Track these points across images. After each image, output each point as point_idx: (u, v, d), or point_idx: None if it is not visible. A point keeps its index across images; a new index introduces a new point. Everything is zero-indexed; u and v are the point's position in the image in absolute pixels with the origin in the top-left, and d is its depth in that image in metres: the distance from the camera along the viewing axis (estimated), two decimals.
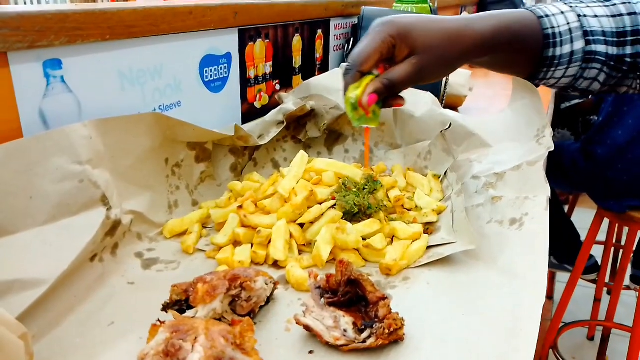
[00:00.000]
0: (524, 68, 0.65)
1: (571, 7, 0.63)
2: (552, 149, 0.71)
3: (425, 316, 0.55)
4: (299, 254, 0.69)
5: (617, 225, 1.96)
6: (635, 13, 0.62)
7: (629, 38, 0.62)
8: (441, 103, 1.13)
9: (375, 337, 0.49)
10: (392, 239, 0.70)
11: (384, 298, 0.52)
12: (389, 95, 0.61)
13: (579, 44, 0.61)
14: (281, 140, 0.96)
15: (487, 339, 0.51)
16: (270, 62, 1.05)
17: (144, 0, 0.96)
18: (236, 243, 0.70)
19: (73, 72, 0.64)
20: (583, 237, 1.83)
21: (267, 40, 1.02)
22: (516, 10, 0.64)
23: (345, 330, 0.50)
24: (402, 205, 0.78)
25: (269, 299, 0.58)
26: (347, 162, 0.96)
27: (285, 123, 0.92)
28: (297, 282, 0.61)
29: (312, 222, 0.71)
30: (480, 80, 1.68)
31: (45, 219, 0.57)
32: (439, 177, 0.87)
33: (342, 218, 0.70)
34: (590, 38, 0.61)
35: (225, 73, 0.92)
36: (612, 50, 0.62)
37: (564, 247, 2.06)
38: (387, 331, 0.49)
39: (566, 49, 0.62)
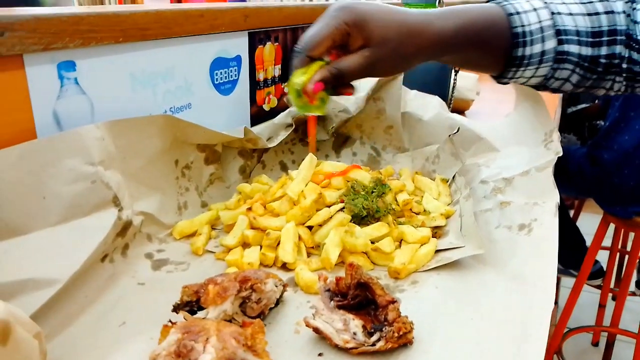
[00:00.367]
0: (492, 67, 0.62)
1: (545, 3, 0.60)
2: (561, 154, 0.71)
3: (433, 320, 0.55)
4: (308, 256, 0.69)
5: (622, 230, 1.96)
6: (612, 12, 0.59)
7: (604, 38, 0.59)
8: (448, 107, 1.14)
9: (384, 340, 0.50)
10: (400, 242, 0.71)
11: (393, 302, 0.52)
12: (337, 84, 0.58)
13: (550, 44, 0.59)
14: (289, 142, 0.97)
15: (496, 343, 0.51)
16: (280, 65, 1.05)
17: (152, 2, 0.97)
18: (245, 245, 0.70)
19: (86, 73, 0.64)
20: (588, 243, 1.83)
21: (277, 43, 1.02)
22: (485, 6, 0.61)
23: (354, 333, 0.50)
24: (411, 209, 0.78)
25: (278, 301, 0.58)
26: None
27: (294, 126, 0.92)
28: (306, 285, 0.62)
29: (320, 225, 0.71)
30: (487, 84, 1.68)
31: (57, 219, 0.58)
32: (447, 181, 0.87)
33: (350, 221, 0.71)
34: (563, 37, 0.58)
35: (235, 76, 0.92)
36: (586, 51, 0.59)
37: (570, 252, 2.05)
38: (396, 334, 0.49)
39: (537, 48, 0.59)
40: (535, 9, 0.59)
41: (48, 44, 0.58)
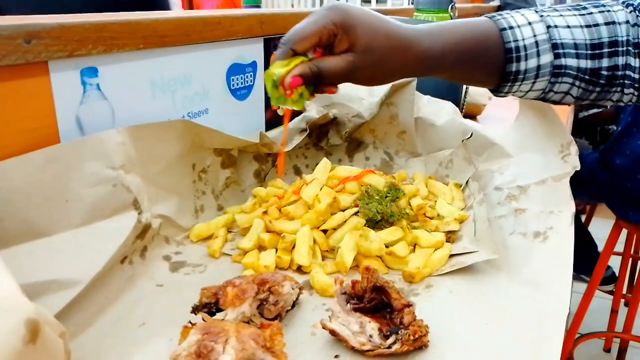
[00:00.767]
0: (486, 82, 0.62)
1: (541, 16, 0.59)
2: (578, 168, 0.70)
3: (448, 324, 0.56)
4: (322, 259, 0.70)
5: (635, 236, 1.95)
6: (613, 22, 0.58)
7: (605, 50, 0.58)
8: (461, 112, 1.14)
9: (400, 343, 0.50)
10: (414, 247, 0.71)
11: (409, 305, 0.53)
12: (316, 83, 0.57)
13: (546, 58, 0.58)
14: (303, 147, 0.98)
15: (511, 348, 0.51)
16: None
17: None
18: (261, 248, 0.71)
19: (108, 80, 0.66)
20: (600, 248, 1.82)
21: None
22: (478, 22, 0.60)
23: (371, 336, 0.51)
24: (424, 214, 0.79)
25: (294, 304, 0.59)
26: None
27: (308, 131, 0.93)
28: (322, 288, 0.63)
29: (335, 229, 0.72)
30: None
31: (80, 222, 0.59)
32: (461, 186, 0.87)
33: (364, 225, 0.71)
34: (560, 51, 0.58)
35: (251, 81, 0.94)
36: (585, 64, 0.58)
37: (581, 257, 2.05)
38: (412, 338, 0.50)
39: (532, 63, 0.58)
40: (529, 23, 0.58)
41: (72, 51, 0.59)
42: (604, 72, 0.58)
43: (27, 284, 0.52)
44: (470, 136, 0.90)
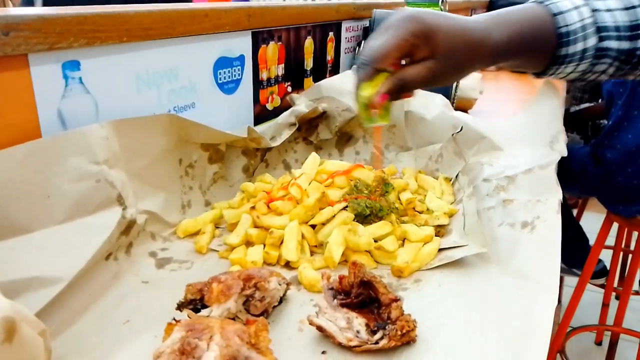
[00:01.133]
0: (537, 66, 0.63)
1: (585, 0, 0.60)
2: (565, 154, 0.71)
3: (436, 318, 0.55)
4: (311, 255, 0.69)
5: (626, 229, 1.96)
6: None
7: None
8: (452, 106, 1.14)
9: (387, 338, 0.50)
10: (403, 241, 0.71)
11: (396, 300, 0.52)
12: (400, 93, 0.59)
13: (591, 41, 0.59)
14: (292, 141, 0.97)
15: (499, 341, 0.51)
16: (283, 65, 1.05)
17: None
18: (248, 243, 0.70)
19: (91, 73, 0.65)
20: (592, 242, 1.83)
21: (280, 43, 1.02)
22: (531, 8, 0.61)
23: (358, 332, 0.51)
24: (414, 208, 0.78)
25: (281, 299, 0.58)
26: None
27: (297, 125, 0.92)
28: (309, 283, 0.62)
29: (323, 224, 0.71)
30: (490, 83, 1.68)
31: (62, 218, 0.58)
32: (450, 180, 0.87)
33: (353, 220, 0.71)
34: (604, 34, 0.59)
35: (239, 75, 0.93)
36: (624, 45, 0.59)
37: (573, 251, 2.05)
38: (399, 333, 0.50)
39: (579, 46, 0.59)
40: (576, 7, 0.60)
41: (53, 44, 0.58)
42: (639, 52, 0.60)
43: (8, 281, 0.51)
44: (460, 130, 0.89)
